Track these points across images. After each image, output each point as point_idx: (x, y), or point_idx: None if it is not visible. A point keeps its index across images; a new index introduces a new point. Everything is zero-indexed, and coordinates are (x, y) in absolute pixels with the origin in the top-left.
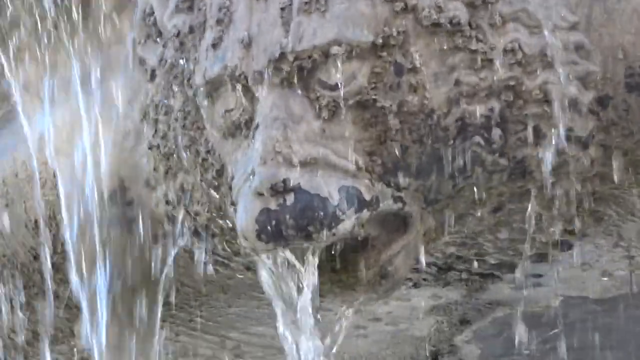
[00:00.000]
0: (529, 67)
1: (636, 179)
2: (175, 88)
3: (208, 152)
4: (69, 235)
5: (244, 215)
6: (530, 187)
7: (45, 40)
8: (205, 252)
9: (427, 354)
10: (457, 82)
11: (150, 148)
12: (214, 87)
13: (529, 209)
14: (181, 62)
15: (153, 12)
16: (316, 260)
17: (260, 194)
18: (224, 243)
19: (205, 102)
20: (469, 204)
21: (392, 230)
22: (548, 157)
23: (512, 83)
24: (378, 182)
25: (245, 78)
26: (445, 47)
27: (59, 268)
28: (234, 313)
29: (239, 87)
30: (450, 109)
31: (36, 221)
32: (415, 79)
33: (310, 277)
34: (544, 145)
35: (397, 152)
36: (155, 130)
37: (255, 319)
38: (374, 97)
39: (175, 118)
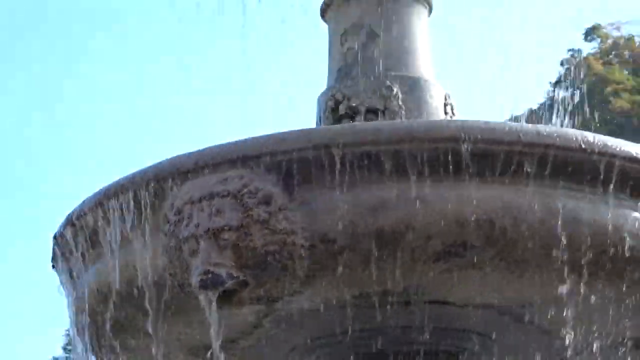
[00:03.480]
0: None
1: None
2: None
3: (184, 262)
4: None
5: (194, 280)
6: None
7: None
8: (181, 289)
9: None
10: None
11: (167, 260)
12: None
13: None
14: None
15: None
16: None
17: (200, 274)
18: (186, 288)
19: (182, 253)
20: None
21: (245, 284)
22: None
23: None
24: (240, 270)
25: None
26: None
27: None
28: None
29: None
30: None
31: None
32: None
33: (214, 300)
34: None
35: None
36: (166, 256)
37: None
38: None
39: (173, 254)
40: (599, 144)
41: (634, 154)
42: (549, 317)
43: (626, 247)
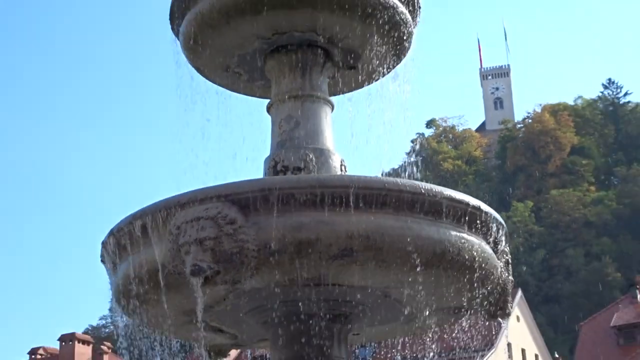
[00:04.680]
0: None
1: None
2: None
3: (181, 258)
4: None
5: (187, 270)
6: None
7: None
8: (179, 275)
9: None
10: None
11: (170, 257)
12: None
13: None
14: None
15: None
16: (200, 280)
17: (191, 266)
18: (182, 275)
19: (180, 253)
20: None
21: (218, 273)
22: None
23: (242, 242)
24: (215, 264)
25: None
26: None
27: None
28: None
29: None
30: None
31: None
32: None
33: (199, 282)
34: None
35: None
36: (170, 255)
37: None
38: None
39: (174, 254)
40: (433, 190)
41: (455, 197)
42: (402, 294)
43: (448, 252)
